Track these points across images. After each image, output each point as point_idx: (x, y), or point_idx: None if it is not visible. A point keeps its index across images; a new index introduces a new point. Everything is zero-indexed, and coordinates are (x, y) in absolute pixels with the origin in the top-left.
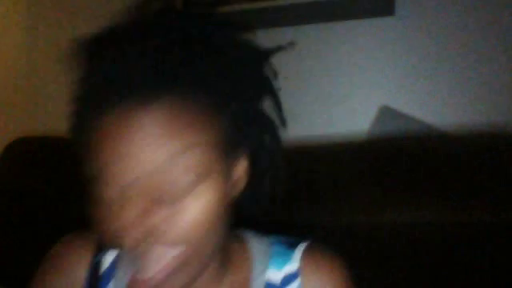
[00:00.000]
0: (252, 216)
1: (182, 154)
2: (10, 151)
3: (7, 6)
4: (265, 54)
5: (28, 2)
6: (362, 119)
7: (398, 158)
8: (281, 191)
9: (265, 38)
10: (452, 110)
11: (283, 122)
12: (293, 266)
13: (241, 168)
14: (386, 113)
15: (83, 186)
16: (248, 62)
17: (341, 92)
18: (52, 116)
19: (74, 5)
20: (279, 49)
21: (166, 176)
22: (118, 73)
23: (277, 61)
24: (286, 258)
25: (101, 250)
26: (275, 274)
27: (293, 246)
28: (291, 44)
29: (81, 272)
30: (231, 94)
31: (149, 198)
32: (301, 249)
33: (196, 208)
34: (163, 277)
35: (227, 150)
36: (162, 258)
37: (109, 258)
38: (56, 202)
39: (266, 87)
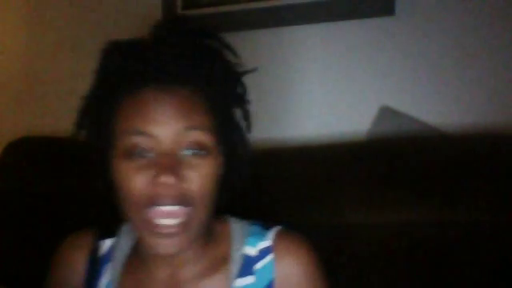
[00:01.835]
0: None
1: (192, 129)
2: (11, 151)
3: (7, 7)
4: (240, 74)
5: (28, 3)
6: (362, 119)
7: (397, 157)
8: (242, 186)
9: (265, 38)
10: (452, 110)
11: (249, 129)
12: (266, 243)
13: (221, 158)
14: (386, 113)
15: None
16: (235, 78)
17: (340, 92)
18: (52, 116)
19: (73, 5)
20: (250, 71)
21: (182, 142)
22: (153, 65)
23: (277, 61)
24: (261, 237)
25: (99, 238)
26: (251, 250)
27: (268, 228)
28: (254, 69)
29: (81, 261)
30: (224, 98)
31: (174, 154)
32: (275, 230)
33: (203, 174)
34: (169, 220)
35: (219, 138)
36: (173, 211)
37: (107, 243)
38: (56, 201)
39: (241, 99)
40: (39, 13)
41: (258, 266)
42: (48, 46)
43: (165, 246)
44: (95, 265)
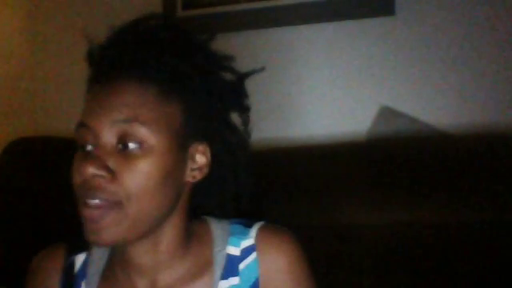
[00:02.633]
0: (213, 206)
1: (128, 121)
2: (10, 151)
3: (8, 8)
4: (240, 77)
5: (28, 4)
6: (362, 119)
7: (397, 158)
8: (246, 191)
9: (265, 38)
10: (452, 110)
11: (248, 135)
12: (249, 241)
13: (203, 158)
14: (385, 113)
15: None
16: (212, 79)
17: (341, 92)
18: (52, 116)
19: (73, 6)
20: (252, 72)
21: (117, 135)
22: (105, 61)
23: (276, 61)
24: (243, 235)
25: (73, 252)
26: (234, 249)
27: (250, 224)
28: (262, 68)
29: (54, 277)
30: (190, 95)
31: (108, 147)
32: (256, 227)
33: (139, 171)
34: (96, 215)
35: (181, 137)
36: (98, 205)
37: (80, 258)
38: (56, 201)
39: (234, 104)
40: (39, 13)
41: (242, 265)
42: (48, 46)
43: (95, 235)
44: (70, 283)
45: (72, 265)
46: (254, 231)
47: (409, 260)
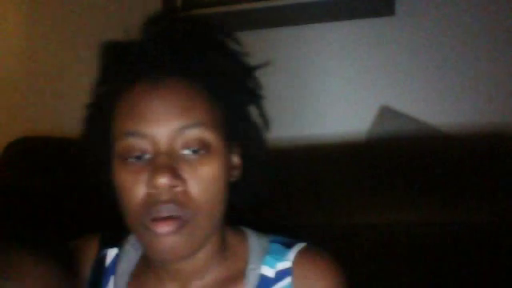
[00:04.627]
0: (241, 207)
1: (191, 126)
2: (11, 151)
3: (8, 7)
4: (250, 68)
5: (29, 3)
6: (362, 119)
7: (397, 158)
8: (266, 188)
9: (264, 39)
10: (452, 110)
11: (267, 126)
12: (286, 263)
13: (236, 159)
14: (386, 113)
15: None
16: (244, 71)
17: (340, 92)
18: (52, 116)
19: (74, 5)
20: (263, 65)
21: (181, 141)
22: (147, 57)
23: (275, 61)
24: (281, 256)
25: (105, 246)
26: (268, 270)
27: (289, 245)
28: (267, 63)
29: (85, 268)
30: (232, 91)
31: (173, 154)
32: (297, 249)
33: (205, 175)
34: (171, 229)
35: (227, 137)
36: (171, 217)
37: (112, 253)
38: (56, 201)
39: (254, 96)
40: (39, 13)
41: None
42: (48, 45)
43: (164, 251)
44: (99, 275)
45: (104, 257)
46: (292, 254)
47: (409, 260)
